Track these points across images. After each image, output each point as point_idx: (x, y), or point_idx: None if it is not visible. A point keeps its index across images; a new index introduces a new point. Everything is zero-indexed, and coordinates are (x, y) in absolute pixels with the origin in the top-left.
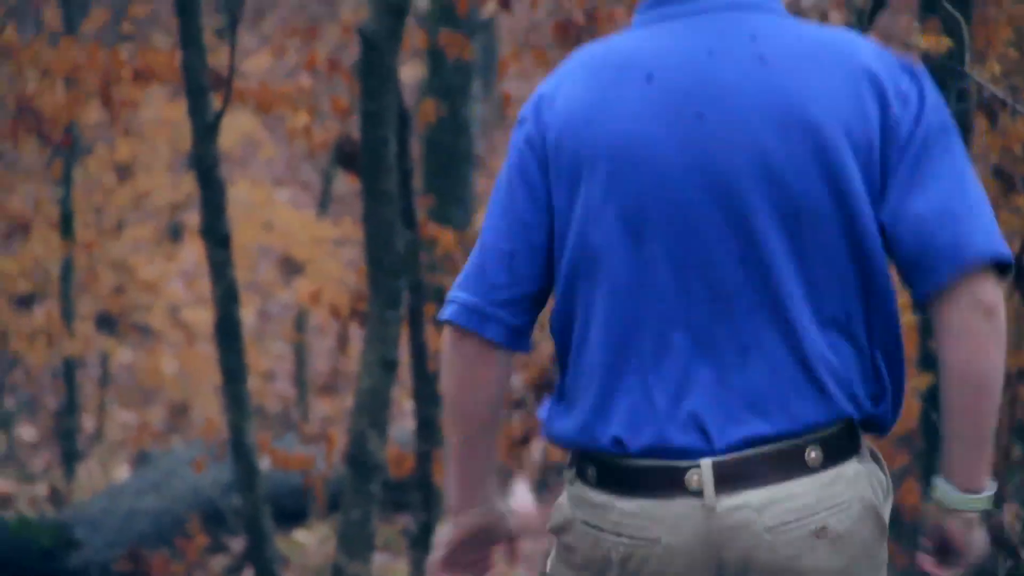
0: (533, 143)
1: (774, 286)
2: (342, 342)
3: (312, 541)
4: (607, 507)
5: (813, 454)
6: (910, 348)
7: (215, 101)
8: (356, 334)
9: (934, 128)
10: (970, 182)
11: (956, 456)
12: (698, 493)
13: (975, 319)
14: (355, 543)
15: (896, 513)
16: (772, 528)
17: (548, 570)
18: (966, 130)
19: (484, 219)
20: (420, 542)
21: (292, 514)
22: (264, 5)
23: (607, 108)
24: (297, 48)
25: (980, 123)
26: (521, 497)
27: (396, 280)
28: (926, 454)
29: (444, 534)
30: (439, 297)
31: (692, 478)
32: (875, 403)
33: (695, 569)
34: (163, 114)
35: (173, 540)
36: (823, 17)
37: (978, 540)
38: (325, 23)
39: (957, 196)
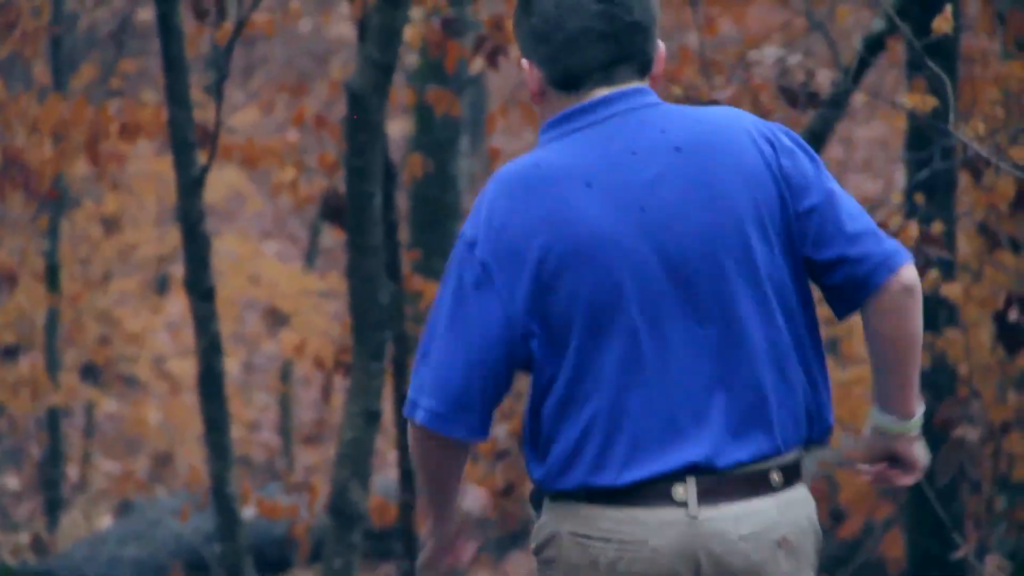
0: (490, 265)
1: (736, 342)
2: (326, 393)
3: None
4: (597, 516)
5: (776, 476)
6: None
7: (201, 156)
8: (340, 385)
9: (817, 167)
10: (852, 200)
11: (896, 394)
12: (683, 503)
13: (903, 299)
14: None
15: (880, 564)
16: (745, 537)
17: None
18: (951, 187)
19: (441, 331)
20: None
21: (275, 563)
22: (253, 62)
23: (562, 217)
24: (286, 103)
25: (965, 180)
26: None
27: (380, 332)
28: (910, 506)
29: (438, 538)
30: None
31: (678, 490)
32: (820, 425)
33: (676, 571)
34: (150, 168)
35: None
36: (810, 76)
37: (923, 451)
38: (314, 80)
39: (862, 217)
